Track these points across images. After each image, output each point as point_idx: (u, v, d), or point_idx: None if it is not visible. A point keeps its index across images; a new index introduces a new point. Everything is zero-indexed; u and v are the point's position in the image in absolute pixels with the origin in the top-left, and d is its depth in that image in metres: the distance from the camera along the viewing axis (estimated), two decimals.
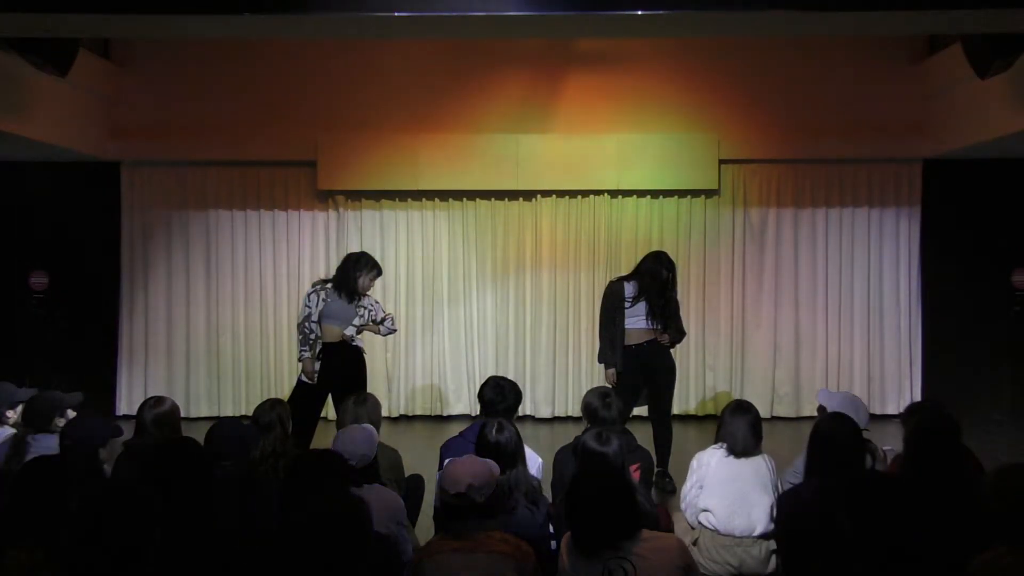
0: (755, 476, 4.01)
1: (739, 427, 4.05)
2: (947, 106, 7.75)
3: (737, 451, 4.04)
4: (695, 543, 3.98)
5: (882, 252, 8.34)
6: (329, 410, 7.85)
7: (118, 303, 8.35)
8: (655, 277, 5.89)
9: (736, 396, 7.88)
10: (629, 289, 5.95)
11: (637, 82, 8.24)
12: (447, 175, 8.18)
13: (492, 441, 3.63)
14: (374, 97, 8.24)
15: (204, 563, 2.69)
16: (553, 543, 3.58)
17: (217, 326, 8.33)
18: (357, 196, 8.33)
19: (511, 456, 3.58)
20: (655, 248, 8.26)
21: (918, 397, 8.22)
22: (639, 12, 4.59)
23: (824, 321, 8.34)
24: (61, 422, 4.17)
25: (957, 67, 6.79)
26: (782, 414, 8.29)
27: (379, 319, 6.06)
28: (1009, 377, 8.18)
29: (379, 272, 6.11)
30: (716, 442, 4.16)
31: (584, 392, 4.70)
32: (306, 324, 5.92)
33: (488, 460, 3.18)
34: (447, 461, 3.36)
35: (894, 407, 8.30)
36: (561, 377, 8.37)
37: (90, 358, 8.21)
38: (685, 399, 8.38)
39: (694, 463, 4.15)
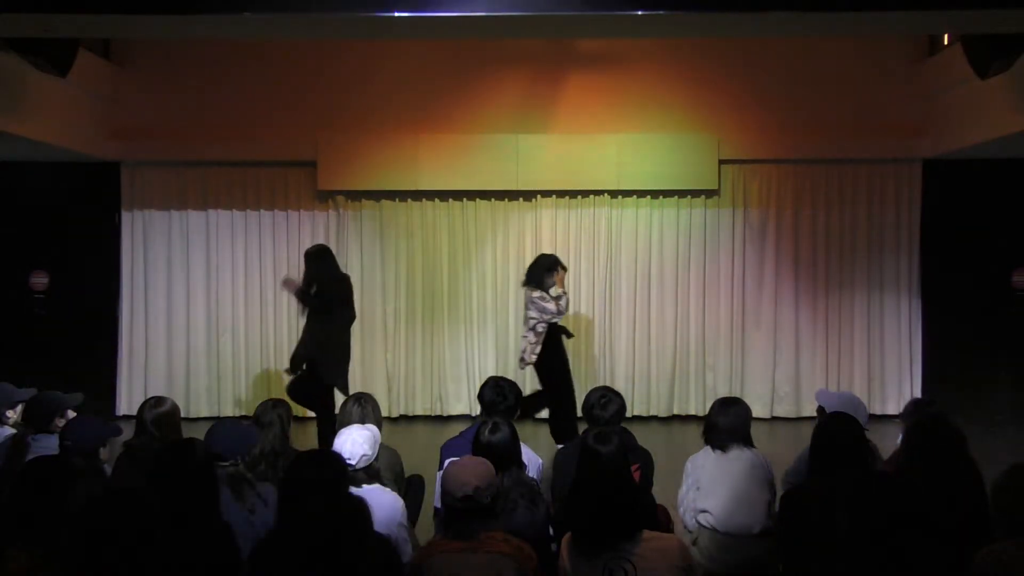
0: (751, 474, 4.00)
1: (729, 422, 4.06)
2: (947, 106, 7.75)
3: (730, 445, 4.03)
4: (695, 543, 3.98)
5: (882, 252, 8.34)
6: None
7: (118, 303, 8.36)
8: None
9: (736, 396, 7.88)
10: None
11: (637, 82, 8.24)
12: (447, 175, 8.18)
13: (484, 442, 3.63)
14: (374, 97, 8.24)
15: (204, 563, 2.69)
16: (554, 545, 3.58)
17: (217, 326, 8.33)
18: (357, 196, 8.33)
19: (505, 457, 3.57)
20: (655, 248, 8.34)
21: (918, 397, 8.22)
22: (639, 12, 4.59)
23: (824, 321, 8.34)
24: (61, 422, 4.17)
25: (957, 67, 6.79)
26: (782, 414, 8.29)
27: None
28: (1009, 377, 8.17)
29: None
30: (706, 441, 4.16)
31: (585, 393, 4.70)
32: None
33: (485, 459, 3.18)
34: (446, 463, 3.35)
35: (894, 407, 8.30)
36: None
37: (90, 358, 8.21)
38: (685, 399, 8.38)
39: (688, 466, 4.14)
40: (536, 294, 6.78)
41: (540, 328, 6.74)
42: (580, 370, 8.33)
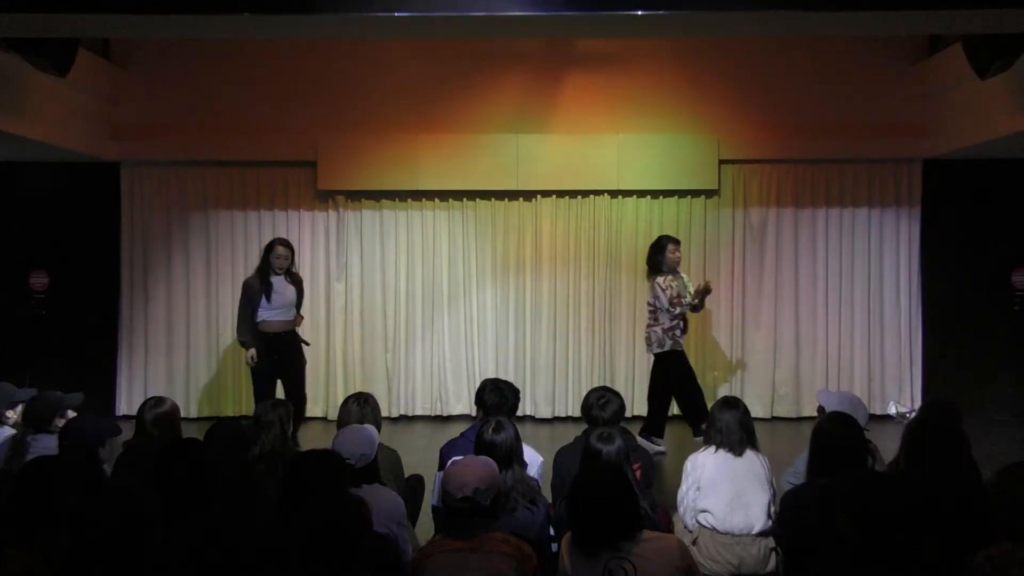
0: (751, 474, 4.01)
1: (728, 422, 4.06)
2: (947, 106, 7.76)
3: (729, 445, 4.03)
4: (694, 543, 3.98)
5: (882, 252, 8.33)
6: (332, 410, 7.86)
7: (118, 303, 8.35)
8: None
9: (736, 396, 7.89)
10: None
11: (637, 82, 8.24)
12: (447, 175, 8.18)
13: (487, 440, 3.64)
14: (374, 97, 8.25)
15: (203, 564, 2.69)
16: (554, 546, 3.58)
17: (217, 326, 8.32)
18: (357, 196, 8.33)
19: (506, 456, 3.58)
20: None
21: (918, 397, 8.23)
22: (639, 12, 4.59)
23: (824, 321, 8.33)
24: (61, 422, 4.17)
25: (957, 67, 6.79)
26: (782, 414, 8.29)
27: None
28: (1009, 377, 8.17)
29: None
30: (706, 441, 4.16)
31: (584, 392, 4.70)
32: None
33: (488, 459, 3.18)
34: (448, 463, 3.36)
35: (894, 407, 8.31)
36: (561, 377, 8.36)
37: (90, 358, 8.21)
38: None
39: (688, 466, 4.14)
40: (659, 279, 6.75)
41: (662, 317, 6.68)
42: (580, 369, 8.36)
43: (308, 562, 2.42)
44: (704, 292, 6.75)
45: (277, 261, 6.45)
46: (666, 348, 6.77)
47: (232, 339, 8.27)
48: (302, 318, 6.76)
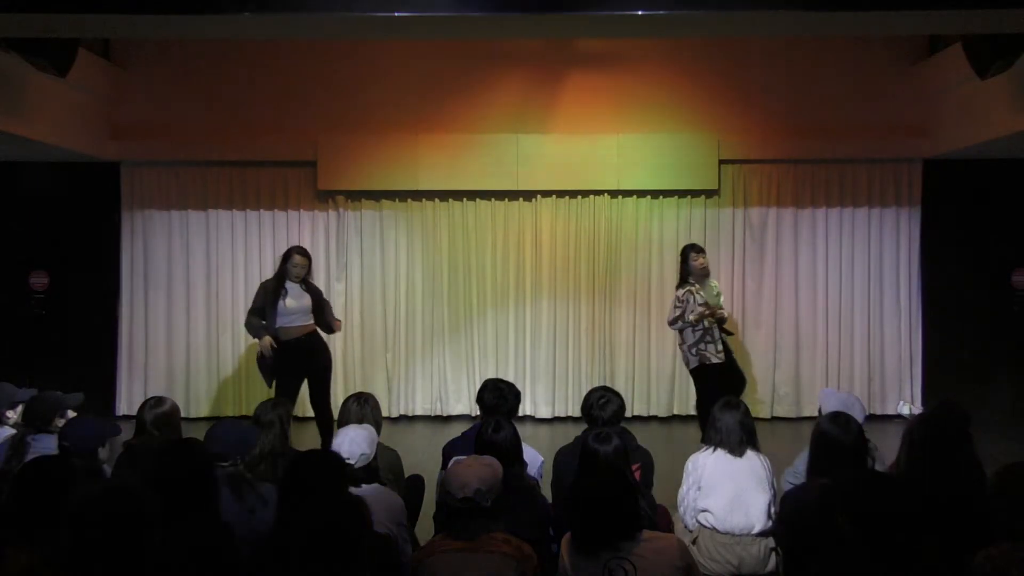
0: (751, 474, 4.01)
1: (728, 422, 4.06)
2: (947, 106, 7.76)
3: (730, 445, 4.03)
4: (694, 543, 3.98)
5: (882, 252, 8.34)
6: (332, 410, 7.86)
7: (118, 303, 8.36)
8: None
9: (736, 397, 7.88)
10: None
11: (637, 82, 8.25)
12: (447, 175, 8.18)
13: (487, 440, 3.64)
14: (374, 97, 8.25)
15: (203, 564, 2.69)
16: (554, 546, 3.58)
17: (217, 326, 8.33)
18: (357, 196, 8.33)
19: (507, 455, 3.58)
20: (655, 248, 8.34)
21: (918, 397, 8.23)
22: (639, 12, 4.60)
23: (824, 321, 8.33)
24: (61, 422, 4.17)
25: (957, 67, 6.79)
26: (782, 414, 8.29)
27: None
28: (1009, 377, 8.17)
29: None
30: (706, 442, 4.16)
31: (584, 392, 4.70)
32: None
33: (492, 459, 3.18)
34: (451, 461, 3.35)
35: (894, 407, 8.31)
36: (561, 377, 8.36)
37: (90, 358, 8.21)
38: (685, 399, 8.37)
39: (689, 465, 4.14)
40: (678, 291, 6.56)
41: (681, 329, 6.46)
42: (580, 369, 8.36)
43: (308, 562, 2.42)
44: (711, 317, 6.48)
45: (294, 270, 6.38)
46: (693, 365, 6.56)
47: (232, 339, 8.30)
48: (339, 321, 6.66)
